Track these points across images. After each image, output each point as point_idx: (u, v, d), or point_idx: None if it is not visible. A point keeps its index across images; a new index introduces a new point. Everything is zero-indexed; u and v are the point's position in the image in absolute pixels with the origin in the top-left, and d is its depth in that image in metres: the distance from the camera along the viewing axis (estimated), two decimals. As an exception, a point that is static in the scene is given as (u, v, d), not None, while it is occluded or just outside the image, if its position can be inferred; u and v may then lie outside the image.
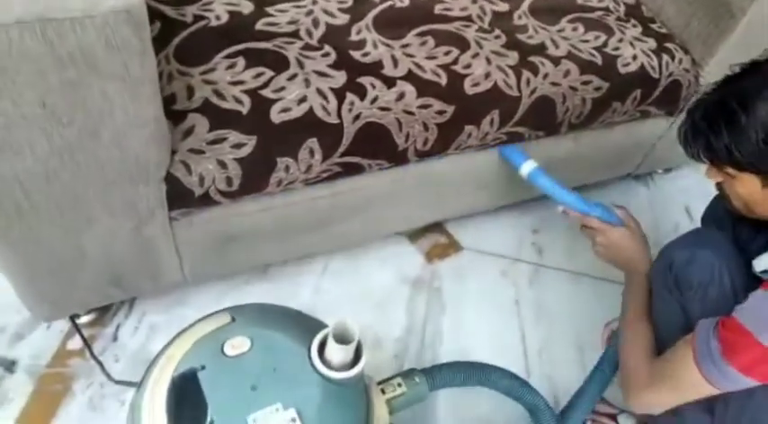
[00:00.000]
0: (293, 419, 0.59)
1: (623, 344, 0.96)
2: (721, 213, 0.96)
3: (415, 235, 1.38)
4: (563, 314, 1.29)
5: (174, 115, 0.89)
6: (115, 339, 1.12)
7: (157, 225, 0.93)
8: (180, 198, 0.90)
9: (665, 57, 1.21)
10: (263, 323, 0.67)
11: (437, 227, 1.40)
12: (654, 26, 1.29)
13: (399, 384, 0.86)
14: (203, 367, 0.61)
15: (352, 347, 0.62)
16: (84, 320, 1.12)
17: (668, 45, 1.24)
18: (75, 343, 1.10)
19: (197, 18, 1.02)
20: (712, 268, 0.83)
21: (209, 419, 0.59)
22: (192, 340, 0.65)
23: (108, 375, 1.03)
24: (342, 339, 0.61)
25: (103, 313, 1.15)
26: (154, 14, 1.01)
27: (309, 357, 0.63)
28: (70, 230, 0.88)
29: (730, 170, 0.78)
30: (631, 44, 1.21)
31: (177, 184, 0.88)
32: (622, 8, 1.31)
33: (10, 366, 1.06)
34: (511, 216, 1.44)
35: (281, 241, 1.12)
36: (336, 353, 0.62)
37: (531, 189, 1.38)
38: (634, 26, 1.26)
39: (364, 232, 1.25)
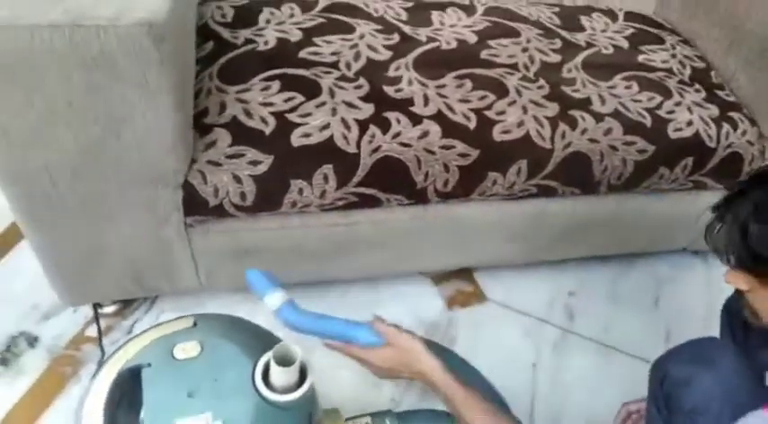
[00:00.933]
0: (216, 431, 0.58)
1: None
2: (736, 311, 0.85)
3: (439, 278, 1.34)
4: (582, 387, 1.19)
5: (202, 127, 0.94)
6: (130, 332, 1.17)
7: (173, 228, 0.98)
8: (195, 205, 0.94)
9: (726, 126, 1.13)
10: (222, 333, 0.68)
11: (465, 274, 1.36)
12: (721, 93, 1.21)
13: (367, 423, 0.83)
14: (149, 365, 0.63)
15: (294, 369, 0.61)
16: (107, 310, 1.19)
17: (733, 114, 1.16)
18: (94, 330, 1.16)
19: (247, 41, 1.08)
20: (710, 398, 0.72)
21: (141, 416, 0.60)
22: (151, 338, 0.67)
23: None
24: (283, 361, 0.61)
25: (126, 306, 1.21)
26: (210, 35, 1.09)
27: (252, 375, 0.63)
28: (94, 223, 0.94)
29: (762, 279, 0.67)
30: (689, 109, 1.14)
31: (193, 192, 0.92)
32: (688, 71, 1.24)
33: (33, 341, 1.14)
34: (547, 274, 1.38)
35: (297, 263, 1.14)
36: (278, 375, 0.62)
37: (573, 249, 1.33)
38: (697, 91, 1.19)
39: (384, 266, 1.24)
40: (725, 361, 0.76)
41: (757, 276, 0.67)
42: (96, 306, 1.16)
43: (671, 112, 1.12)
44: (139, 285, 1.09)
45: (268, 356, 0.63)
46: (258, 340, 0.69)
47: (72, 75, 0.73)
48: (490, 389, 1.03)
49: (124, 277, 1.06)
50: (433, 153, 0.99)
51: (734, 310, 0.89)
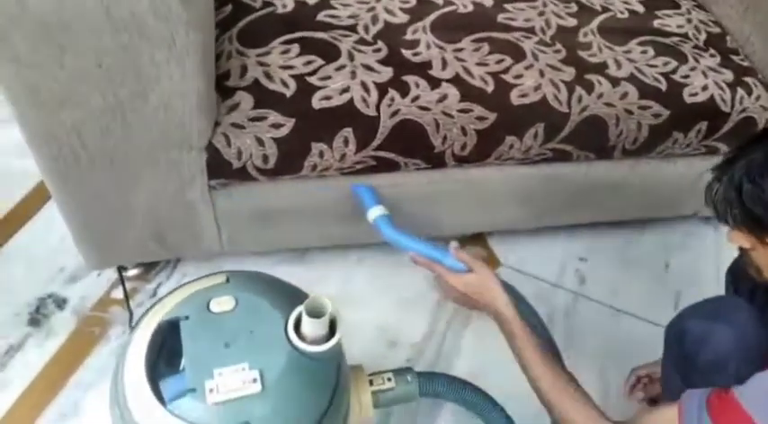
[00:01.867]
0: (254, 380, 0.61)
1: (552, 400, 0.82)
2: (741, 272, 0.87)
3: (454, 244, 1.37)
4: (593, 350, 1.22)
5: (224, 90, 0.95)
6: (154, 294, 1.20)
7: (197, 190, 1.00)
8: (219, 168, 0.96)
9: (741, 91, 1.14)
10: (254, 289, 0.70)
11: (479, 239, 1.38)
12: (735, 58, 1.21)
13: (389, 379, 0.86)
14: (187, 318, 0.65)
15: (324, 321, 0.64)
16: (131, 273, 1.22)
17: (747, 79, 1.16)
18: (119, 293, 1.19)
19: (265, 4, 1.08)
20: (728, 354, 0.75)
21: (181, 366, 0.63)
22: (187, 293, 0.70)
23: (131, 326, 1.11)
24: (314, 313, 0.63)
25: (149, 269, 1.24)
26: (228, -1, 1.09)
27: (285, 326, 0.65)
28: (120, 183, 0.96)
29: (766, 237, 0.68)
30: (704, 74, 1.14)
31: (217, 154, 0.94)
32: (703, 36, 1.24)
33: (61, 303, 1.17)
34: (558, 240, 1.40)
35: (317, 226, 1.16)
36: (309, 327, 0.64)
37: (585, 213, 1.34)
38: (712, 56, 1.19)
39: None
40: (741, 319, 0.78)
41: (757, 234, 0.69)
42: (120, 269, 1.19)
43: (686, 77, 1.13)
44: (163, 246, 1.11)
45: (300, 308, 0.65)
46: (289, 295, 0.72)
47: (102, 36, 0.74)
48: (547, 334, 1.10)
49: (148, 238, 1.08)
50: (451, 116, 1.00)
51: (739, 271, 0.91)
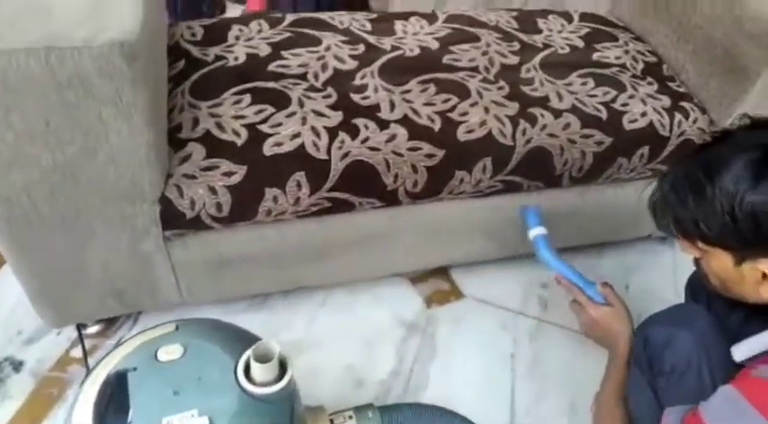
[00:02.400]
0: (203, 426, 0.61)
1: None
2: (698, 284, 0.91)
3: (417, 279, 1.38)
4: (559, 374, 1.24)
5: (176, 142, 0.97)
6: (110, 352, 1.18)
7: (152, 242, 1.00)
8: (173, 219, 0.97)
9: (678, 116, 1.19)
10: (204, 335, 0.70)
11: (441, 273, 1.40)
12: (672, 85, 1.27)
13: (350, 417, 0.86)
14: (135, 369, 0.65)
15: (273, 365, 0.64)
16: (91, 330, 1.20)
17: (684, 104, 1.22)
18: (79, 351, 1.17)
19: (218, 58, 1.12)
20: (689, 355, 0.78)
21: (129, 418, 0.63)
22: (135, 344, 0.69)
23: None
24: (263, 358, 0.64)
25: (110, 325, 1.22)
26: (181, 53, 1.13)
27: (235, 371, 0.66)
28: (74, 241, 0.96)
29: (701, 245, 0.74)
30: (642, 101, 1.20)
31: (170, 206, 0.95)
32: (641, 65, 1.31)
33: (18, 366, 1.14)
34: (519, 268, 1.42)
35: (276, 271, 1.17)
36: (259, 371, 0.65)
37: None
38: (649, 84, 1.25)
39: (363, 270, 1.27)
40: (700, 322, 0.82)
41: (695, 242, 0.74)
42: (80, 327, 1.18)
43: (625, 105, 1.18)
44: (122, 302, 1.10)
45: (249, 353, 0.65)
46: (238, 339, 0.72)
47: (48, 96, 0.75)
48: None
49: (106, 294, 1.08)
50: (401, 155, 1.03)
51: (696, 284, 0.94)
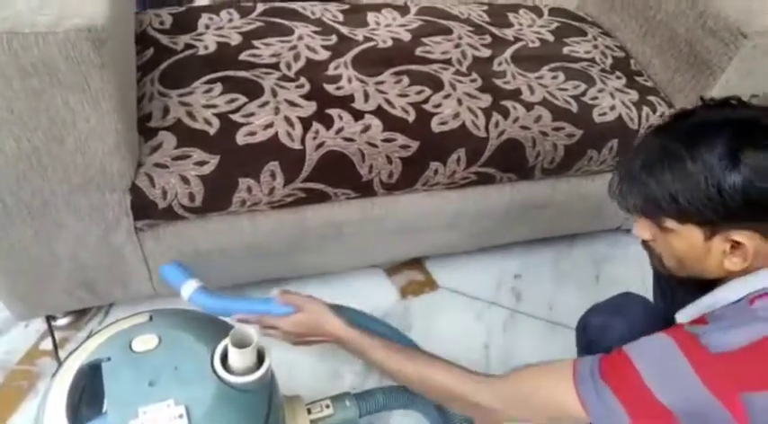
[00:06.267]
0: (180, 415, 0.60)
1: (422, 380, 0.82)
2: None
3: (392, 270, 1.39)
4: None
5: (146, 131, 0.95)
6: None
7: (123, 233, 0.98)
8: (144, 209, 0.95)
9: (646, 109, 1.22)
10: (178, 325, 0.70)
11: (416, 264, 1.41)
12: (639, 79, 1.30)
13: (327, 406, 0.86)
14: (109, 359, 0.64)
15: (251, 352, 0.64)
16: (61, 322, 1.18)
17: (651, 98, 1.25)
18: (48, 344, 1.15)
19: (187, 46, 1.10)
20: (621, 340, 0.80)
21: (104, 408, 0.62)
22: (109, 335, 0.68)
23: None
24: (240, 344, 0.64)
25: (80, 317, 1.20)
26: (149, 41, 1.10)
27: (211, 360, 0.65)
28: (41, 232, 0.94)
29: (669, 223, 0.74)
30: (611, 95, 1.22)
31: (141, 195, 0.93)
32: (609, 60, 1.33)
33: (-17, 360, 1.12)
34: (493, 259, 1.44)
35: (249, 262, 1.16)
36: (236, 358, 0.64)
37: (516, 232, 1.40)
38: (618, 78, 1.28)
39: (337, 261, 1.27)
40: (633, 310, 0.87)
41: (655, 220, 0.75)
42: (50, 319, 1.15)
43: (595, 99, 1.21)
44: (92, 293, 1.08)
45: (226, 341, 0.65)
46: (213, 329, 0.71)
47: (12, 82, 0.73)
48: (397, 334, 1.11)
49: (76, 286, 1.05)
50: (375, 146, 1.03)
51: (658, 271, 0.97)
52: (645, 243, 0.81)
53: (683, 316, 0.77)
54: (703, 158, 0.68)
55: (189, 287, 0.90)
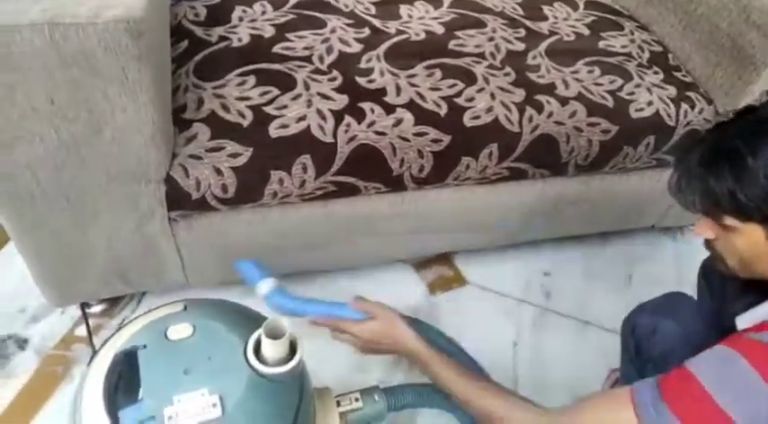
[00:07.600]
0: (214, 404, 0.61)
1: (482, 407, 0.80)
2: (711, 269, 0.90)
3: (420, 265, 1.38)
4: (561, 362, 1.24)
5: (181, 122, 0.96)
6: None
7: (157, 224, 1.00)
8: (178, 199, 0.96)
9: (684, 106, 1.19)
10: (212, 315, 0.70)
11: (444, 259, 1.40)
12: (678, 74, 1.27)
13: (357, 399, 0.86)
14: (144, 347, 0.65)
15: (284, 343, 0.64)
16: (95, 309, 1.20)
17: (690, 93, 1.22)
18: (83, 330, 1.17)
19: (221, 39, 1.11)
20: (673, 344, 0.78)
21: (140, 395, 0.62)
22: (144, 323, 0.69)
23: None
24: (273, 335, 0.64)
25: (114, 304, 1.22)
26: (184, 33, 1.11)
27: (244, 350, 0.66)
28: (77, 221, 0.96)
29: (730, 221, 0.71)
30: (648, 90, 1.19)
31: (176, 186, 0.94)
32: (646, 54, 1.30)
33: (22, 343, 1.15)
34: (522, 256, 1.43)
35: (279, 254, 1.16)
36: (269, 349, 0.65)
37: (547, 229, 1.38)
38: (655, 73, 1.25)
39: (366, 255, 1.27)
40: (684, 310, 0.83)
41: (717, 219, 0.72)
42: (84, 306, 1.18)
43: (631, 94, 1.18)
44: (126, 282, 1.10)
45: (259, 331, 0.65)
46: (247, 319, 0.72)
47: (53, 73, 0.75)
48: (467, 357, 1.10)
49: (110, 274, 1.07)
50: (407, 140, 1.02)
51: (710, 269, 0.94)
52: (707, 244, 0.78)
53: (742, 322, 0.74)
54: (764, 154, 0.66)
55: (266, 285, 0.91)
